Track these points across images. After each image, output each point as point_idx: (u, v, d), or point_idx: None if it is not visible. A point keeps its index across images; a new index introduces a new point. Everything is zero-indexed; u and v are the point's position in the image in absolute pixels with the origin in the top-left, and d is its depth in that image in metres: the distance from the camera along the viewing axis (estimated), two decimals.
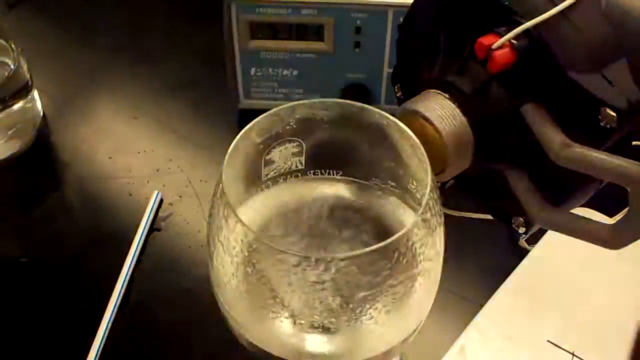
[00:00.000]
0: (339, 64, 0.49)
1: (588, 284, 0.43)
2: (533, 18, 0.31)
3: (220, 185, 0.28)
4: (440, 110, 0.34)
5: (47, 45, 0.60)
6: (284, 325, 0.29)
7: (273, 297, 0.28)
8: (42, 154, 0.52)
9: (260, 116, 0.30)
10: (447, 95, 0.34)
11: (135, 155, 0.51)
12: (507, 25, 0.32)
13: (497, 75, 0.33)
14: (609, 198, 0.36)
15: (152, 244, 0.46)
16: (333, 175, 0.34)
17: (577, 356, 0.39)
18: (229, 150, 0.29)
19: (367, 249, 0.26)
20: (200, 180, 0.50)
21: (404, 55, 0.40)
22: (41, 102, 0.54)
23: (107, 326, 0.41)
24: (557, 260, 0.44)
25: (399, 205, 0.33)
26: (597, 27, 0.32)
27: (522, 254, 0.44)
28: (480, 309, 0.42)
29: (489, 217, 0.38)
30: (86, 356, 0.40)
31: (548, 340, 0.40)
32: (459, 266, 0.43)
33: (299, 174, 0.33)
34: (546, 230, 0.43)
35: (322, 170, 0.34)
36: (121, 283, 0.43)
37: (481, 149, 0.34)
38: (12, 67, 0.50)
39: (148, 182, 0.50)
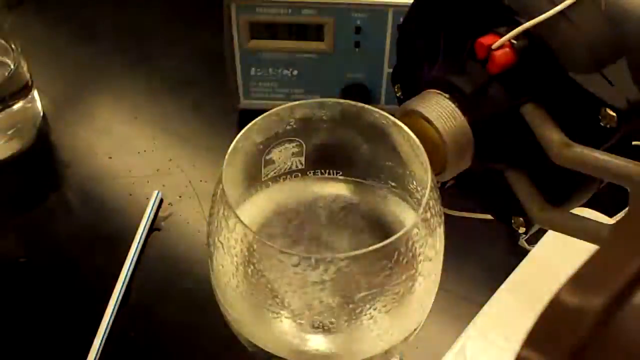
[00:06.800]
0: (339, 64, 0.49)
1: None
2: (533, 18, 0.31)
3: (220, 185, 0.28)
4: (440, 110, 0.34)
5: (47, 45, 0.60)
6: (284, 325, 0.29)
7: (273, 297, 0.28)
8: (42, 154, 0.52)
9: (260, 116, 0.30)
10: (447, 95, 0.34)
11: (135, 155, 0.51)
12: (507, 25, 0.32)
13: (497, 75, 0.33)
14: (609, 198, 0.36)
15: (152, 244, 0.46)
16: (333, 175, 0.34)
17: None
18: (229, 150, 0.29)
19: (367, 249, 0.26)
20: (200, 180, 0.50)
21: (404, 55, 0.40)
22: (41, 102, 0.54)
23: (107, 326, 0.41)
24: (557, 260, 0.44)
25: (399, 205, 0.33)
26: (597, 27, 0.32)
27: (522, 254, 0.44)
28: (480, 309, 0.42)
29: (489, 217, 0.38)
30: (86, 356, 0.40)
31: None
32: (459, 266, 0.43)
33: (299, 174, 0.33)
34: (546, 230, 0.43)
35: (322, 170, 0.34)
36: (121, 283, 0.43)
37: (481, 149, 0.34)
38: (12, 67, 0.50)
39: (148, 182, 0.49)
